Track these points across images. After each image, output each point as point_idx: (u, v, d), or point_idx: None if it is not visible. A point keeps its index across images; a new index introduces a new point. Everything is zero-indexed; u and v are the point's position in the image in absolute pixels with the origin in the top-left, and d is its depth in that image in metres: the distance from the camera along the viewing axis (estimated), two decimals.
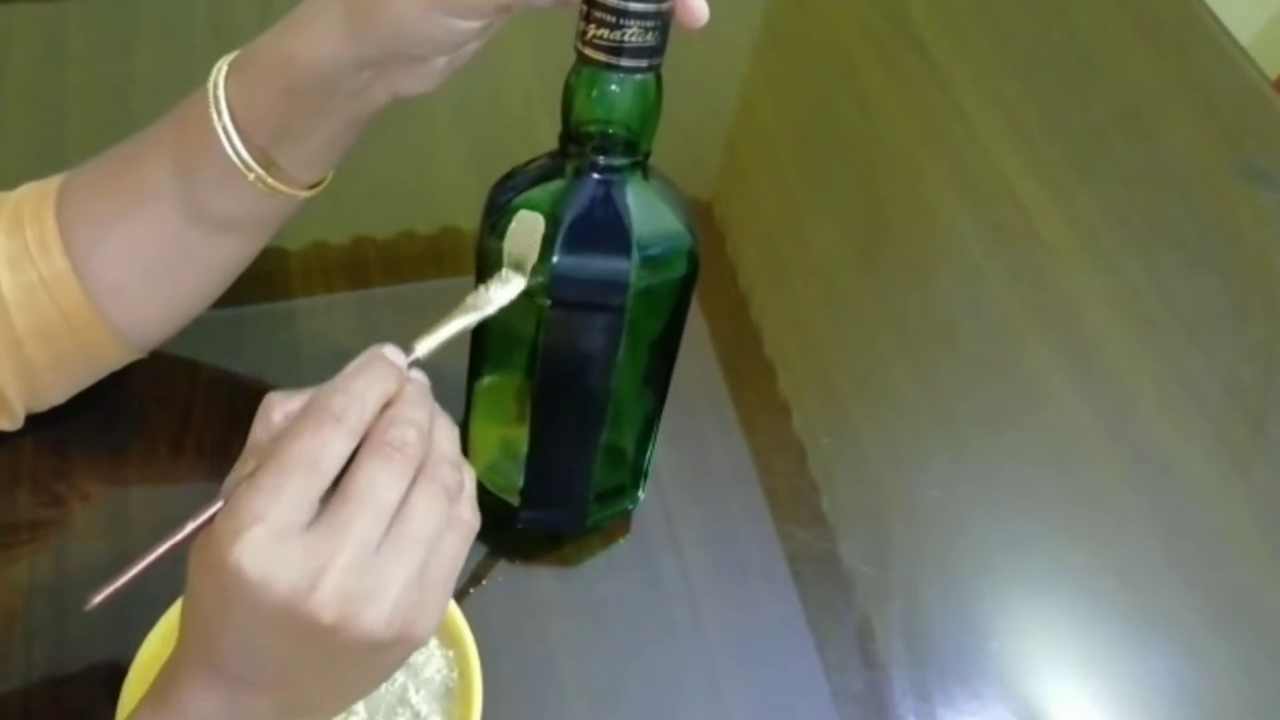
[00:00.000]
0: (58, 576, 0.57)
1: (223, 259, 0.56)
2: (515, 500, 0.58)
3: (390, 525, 0.37)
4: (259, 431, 0.39)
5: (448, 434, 0.40)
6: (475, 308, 0.44)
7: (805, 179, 0.83)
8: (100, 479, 0.60)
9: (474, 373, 0.57)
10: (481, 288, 0.45)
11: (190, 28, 0.82)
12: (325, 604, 0.36)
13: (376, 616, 0.37)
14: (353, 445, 0.38)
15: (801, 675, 0.58)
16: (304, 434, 0.37)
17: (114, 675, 0.49)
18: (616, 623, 0.59)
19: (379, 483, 0.37)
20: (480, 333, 0.55)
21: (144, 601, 0.55)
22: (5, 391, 0.55)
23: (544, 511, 0.58)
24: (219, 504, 0.37)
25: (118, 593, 0.38)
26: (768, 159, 0.84)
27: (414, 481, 0.38)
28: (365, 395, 0.38)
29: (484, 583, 0.59)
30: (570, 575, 0.60)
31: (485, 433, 0.60)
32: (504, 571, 0.60)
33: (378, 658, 0.39)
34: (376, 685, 0.42)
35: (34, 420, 0.58)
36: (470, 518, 0.40)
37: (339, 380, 0.39)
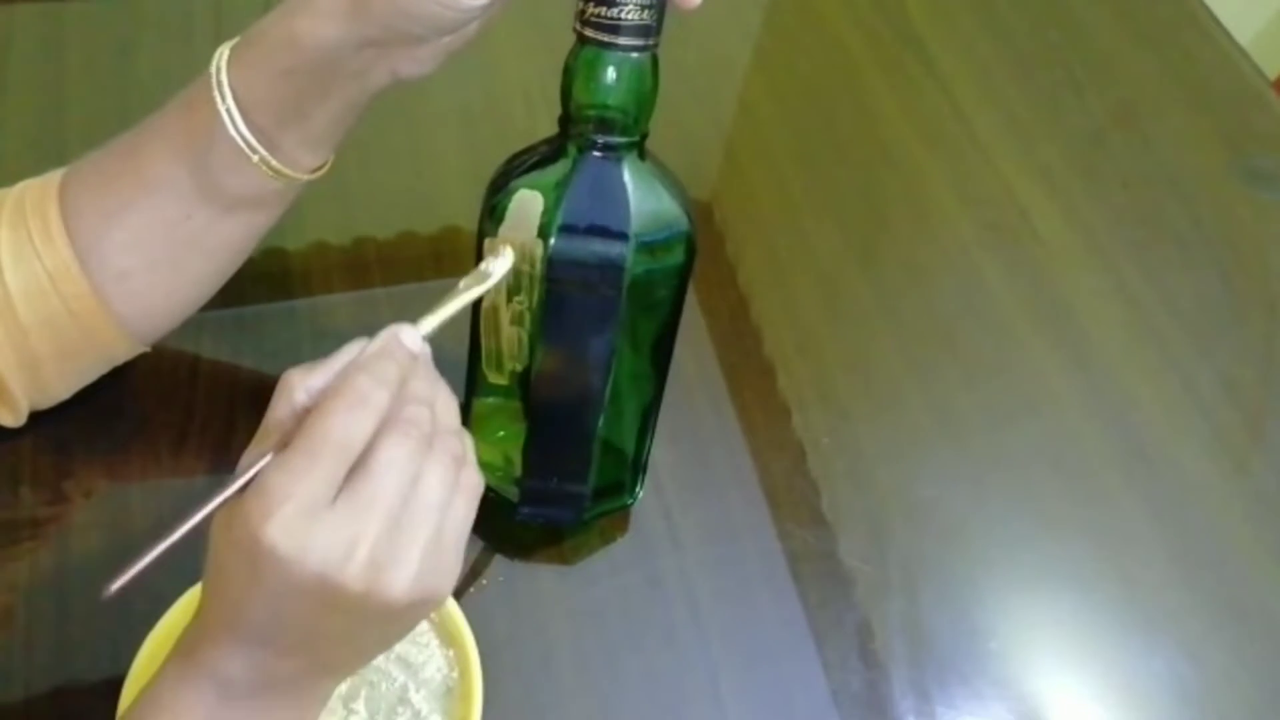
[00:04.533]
0: (58, 574, 0.57)
1: (227, 245, 0.56)
2: (514, 494, 0.58)
3: (407, 496, 0.39)
4: (281, 408, 0.40)
5: (449, 405, 0.43)
6: (476, 283, 0.46)
7: (805, 179, 0.83)
8: (101, 477, 0.60)
9: (471, 386, 0.58)
10: (480, 266, 0.47)
11: (190, 27, 0.82)
12: (357, 575, 0.38)
13: (403, 581, 0.39)
14: (377, 425, 0.39)
15: (801, 674, 0.58)
16: (335, 413, 0.38)
17: (114, 674, 0.49)
18: (616, 622, 0.59)
19: (398, 459, 0.39)
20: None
21: (145, 600, 0.55)
22: (9, 385, 0.55)
23: (543, 506, 0.59)
24: (238, 483, 0.38)
25: (135, 579, 0.38)
26: (768, 159, 0.84)
27: (425, 454, 0.40)
28: (388, 377, 0.40)
29: (484, 582, 0.59)
30: (570, 574, 0.61)
31: (485, 425, 0.60)
32: (504, 571, 0.60)
33: (401, 618, 0.41)
34: (396, 641, 0.45)
35: (35, 418, 0.58)
36: (476, 481, 0.43)
37: (362, 360, 0.40)
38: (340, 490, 0.38)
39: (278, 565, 0.37)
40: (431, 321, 0.43)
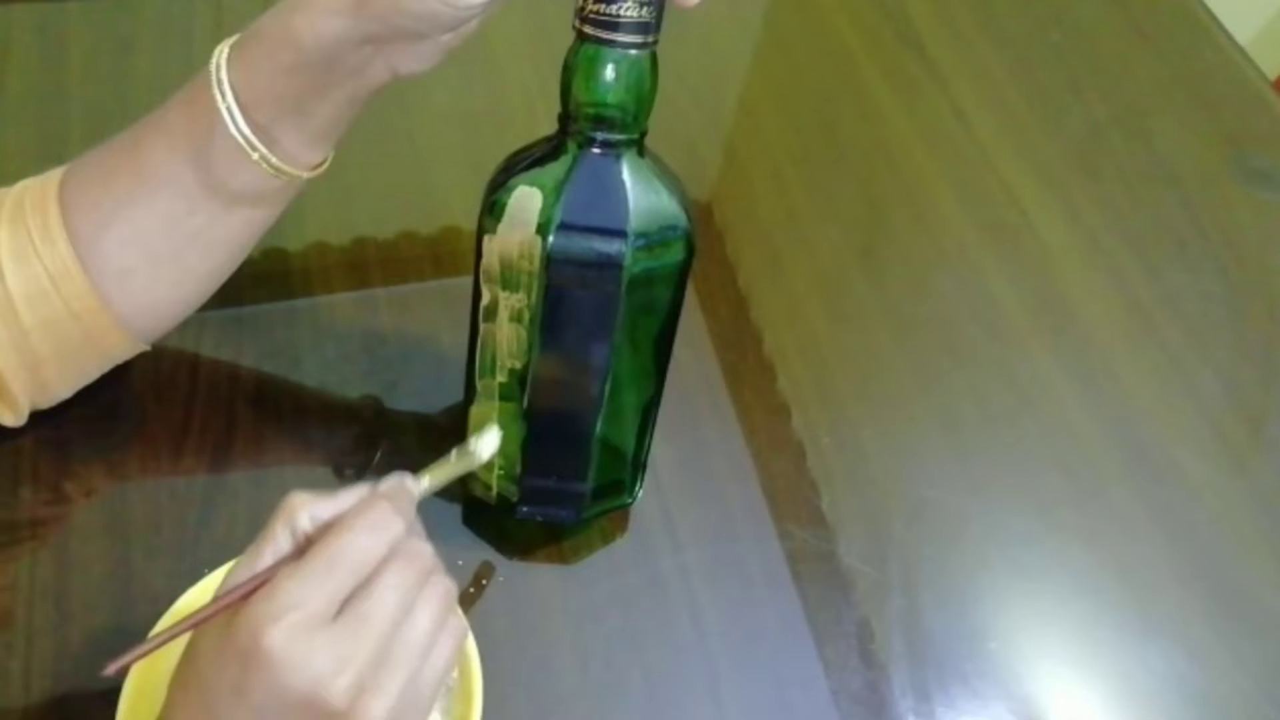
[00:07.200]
0: (58, 575, 0.57)
1: (228, 242, 0.56)
2: (514, 493, 0.58)
3: (399, 627, 0.40)
4: (281, 531, 0.40)
5: (436, 555, 0.44)
6: (465, 458, 0.49)
7: (805, 179, 0.83)
8: (101, 477, 0.60)
9: (471, 386, 0.58)
10: (469, 445, 0.49)
11: (190, 27, 0.82)
12: (342, 692, 0.38)
13: (380, 710, 0.39)
14: (388, 552, 0.40)
15: (801, 674, 0.58)
16: (358, 532, 0.40)
17: (114, 676, 0.49)
18: (616, 622, 0.59)
19: (398, 586, 0.40)
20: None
21: (145, 601, 0.55)
22: (10, 385, 0.55)
23: (543, 505, 0.59)
24: (239, 590, 0.39)
25: (132, 661, 0.39)
26: (768, 159, 0.84)
27: (421, 588, 0.41)
28: (403, 510, 0.42)
29: (484, 582, 0.59)
30: (570, 574, 0.61)
31: (484, 424, 0.60)
32: (504, 570, 0.60)
33: None
34: None
35: (35, 418, 0.58)
36: (462, 626, 0.43)
37: (378, 495, 0.42)
38: (341, 608, 0.39)
39: (271, 671, 0.37)
40: (426, 483, 0.46)
